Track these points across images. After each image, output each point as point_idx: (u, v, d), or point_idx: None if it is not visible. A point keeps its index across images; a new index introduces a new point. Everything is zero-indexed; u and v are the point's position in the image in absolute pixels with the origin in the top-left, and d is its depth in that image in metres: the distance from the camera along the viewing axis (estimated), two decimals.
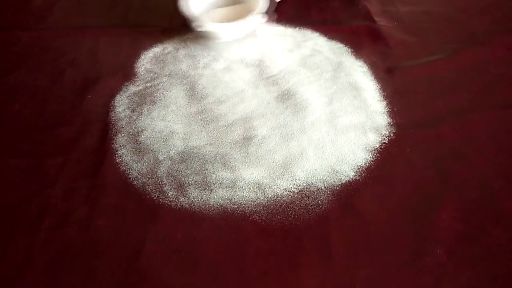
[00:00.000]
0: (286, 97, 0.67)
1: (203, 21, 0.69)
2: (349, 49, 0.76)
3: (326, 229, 0.53)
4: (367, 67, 0.73)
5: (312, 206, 0.55)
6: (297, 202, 0.55)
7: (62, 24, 0.81)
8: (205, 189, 0.57)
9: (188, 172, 0.58)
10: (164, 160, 0.59)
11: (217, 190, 0.56)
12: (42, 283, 0.49)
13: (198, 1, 0.75)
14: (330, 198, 0.56)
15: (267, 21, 0.73)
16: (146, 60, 0.73)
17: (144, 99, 0.67)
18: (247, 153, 0.60)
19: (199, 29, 0.69)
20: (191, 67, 0.72)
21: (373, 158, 0.60)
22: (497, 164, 0.60)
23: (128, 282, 0.49)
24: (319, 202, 0.55)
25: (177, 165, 0.59)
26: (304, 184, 0.57)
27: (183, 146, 0.61)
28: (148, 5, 0.84)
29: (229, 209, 0.55)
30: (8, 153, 0.61)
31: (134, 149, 0.61)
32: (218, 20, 0.75)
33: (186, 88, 0.69)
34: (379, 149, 0.61)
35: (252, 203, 0.55)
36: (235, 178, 0.58)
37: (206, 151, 0.60)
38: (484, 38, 0.78)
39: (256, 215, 0.54)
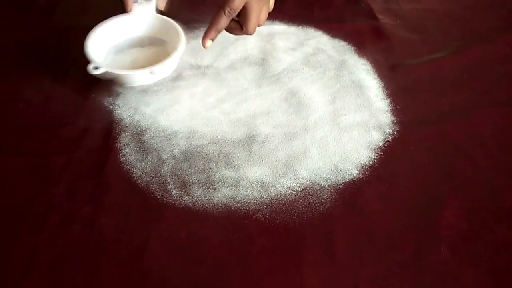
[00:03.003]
0: (289, 95, 0.67)
1: (99, 64, 0.62)
2: (352, 47, 0.76)
3: (329, 228, 0.53)
4: (370, 65, 0.73)
5: (316, 205, 0.55)
6: (301, 200, 0.55)
7: (66, 24, 0.81)
8: (209, 187, 0.57)
9: (192, 171, 0.58)
10: (167, 159, 0.60)
11: (220, 189, 0.56)
12: (47, 281, 0.49)
13: (109, 40, 0.70)
14: (333, 196, 0.56)
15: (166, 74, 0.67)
16: None
17: (147, 98, 0.67)
18: (251, 152, 0.60)
19: (92, 72, 0.62)
20: (194, 66, 0.72)
21: (376, 156, 0.60)
22: (501, 162, 0.60)
23: (132, 280, 0.49)
24: (323, 200, 0.55)
25: (180, 164, 0.59)
26: (308, 183, 0.57)
27: (186, 145, 0.61)
28: None
29: (232, 208, 0.55)
30: (12, 152, 0.61)
31: (137, 148, 0.61)
32: (128, 64, 0.69)
33: (189, 87, 0.69)
34: (382, 147, 0.61)
35: (255, 201, 0.55)
36: (238, 176, 0.58)
37: (209, 150, 0.61)
38: (488, 36, 0.78)
39: (260, 214, 0.54)
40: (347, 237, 0.52)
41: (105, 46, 0.70)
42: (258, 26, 0.63)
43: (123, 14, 0.70)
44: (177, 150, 0.60)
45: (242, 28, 0.62)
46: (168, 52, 0.66)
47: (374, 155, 0.60)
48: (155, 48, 0.72)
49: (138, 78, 0.65)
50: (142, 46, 0.72)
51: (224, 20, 0.60)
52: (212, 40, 0.63)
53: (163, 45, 0.71)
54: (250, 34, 0.63)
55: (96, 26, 0.68)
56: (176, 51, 0.65)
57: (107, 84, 0.68)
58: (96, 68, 0.62)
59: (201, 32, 0.77)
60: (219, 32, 0.62)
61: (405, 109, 0.66)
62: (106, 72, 0.63)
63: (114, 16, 0.70)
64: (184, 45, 0.66)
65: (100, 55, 0.67)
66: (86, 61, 0.62)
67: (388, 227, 0.53)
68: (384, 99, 0.67)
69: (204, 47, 0.63)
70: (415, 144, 0.62)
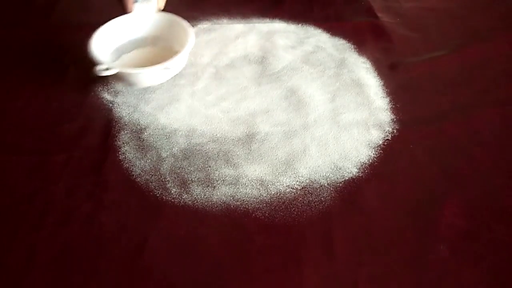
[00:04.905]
0: (289, 94, 0.67)
1: (108, 65, 0.61)
2: (352, 46, 0.76)
3: (329, 226, 0.53)
4: (370, 63, 0.73)
5: (315, 203, 0.55)
6: (300, 198, 0.55)
7: (65, 22, 0.81)
8: (208, 186, 0.57)
9: (191, 169, 0.58)
10: (167, 157, 0.60)
11: (220, 187, 0.56)
12: (46, 279, 0.49)
13: (112, 42, 0.69)
14: (333, 194, 0.56)
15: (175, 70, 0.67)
16: None
17: (147, 96, 0.67)
18: (250, 150, 0.60)
19: (102, 74, 0.61)
20: (194, 64, 0.72)
21: (376, 154, 0.60)
22: (500, 161, 0.60)
23: (131, 278, 0.49)
24: (322, 198, 0.55)
25: (180, 162, 0.59)
26: (307, 181, 0.57)
27: (186, 143, 0.61)
28: None
29: (232, 206, 0.55)
30: (12, 150, 0.61)
31: (137, 146, 0.61)
32: (134, 64, 0.68)
33: (189, 85, 0.69)
34: (382, 145, 0.61)
35: (255, 200, 0.55)
36: (238, 175, 0.58)
37: (209, 148, 0.61)
38: (488, 34, 0.78)
39: (259, 212, 0.54)
40: (346, 235, 0.52)
41: (109, 47, 0.69)
42: None
43: (124, 15, 0.70)
44: (176, 148, 0.60)
45: None
46: (173, 49, 0.66)
47: (373, 154, 0.60)
48: (158, 47, 0.71)
49: (151, 76, 0.65)
50: (145, 46, 0.71)
51: None
52: None
53: (167, 43, 0.71)
54: None
55: (99, 28, 0.67)
56: (187, 45, 0.65)
57: (107, 82, 0.68)
58: (107, 69, 0.61)
59: (200, 30, 0.77)
60: None
61: (404, 107, 0.66)
62: (117, 73, 0.61)
63: (116, 18, 0.69)
64: (193, 38, 0.66)
65: (105, 57, 0.65)
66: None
67: (388, 226, 0.53)
68: (383, 97, 0.67)
69: None
70: (415, 143, 0.61)
